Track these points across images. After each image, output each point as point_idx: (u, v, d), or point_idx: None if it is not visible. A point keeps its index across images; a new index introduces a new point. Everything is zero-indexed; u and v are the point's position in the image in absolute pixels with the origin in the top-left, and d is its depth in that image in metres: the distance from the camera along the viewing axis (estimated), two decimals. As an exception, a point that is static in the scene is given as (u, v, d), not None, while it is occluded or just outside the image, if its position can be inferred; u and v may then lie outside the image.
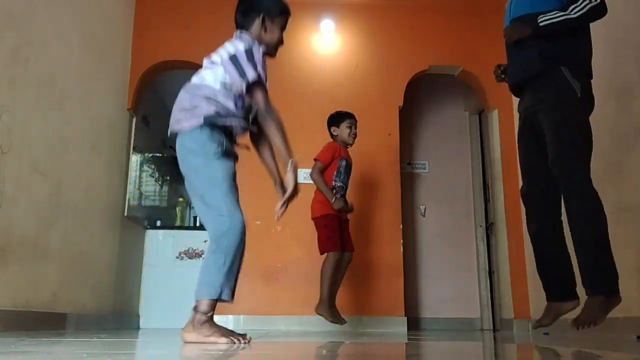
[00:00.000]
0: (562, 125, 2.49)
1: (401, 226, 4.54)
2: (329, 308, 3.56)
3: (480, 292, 5.24)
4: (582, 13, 2.48)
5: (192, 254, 4.83)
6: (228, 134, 2.19)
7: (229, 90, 2.16)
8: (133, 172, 4.79)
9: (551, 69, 2.54)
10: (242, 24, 2.31)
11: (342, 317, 3.62)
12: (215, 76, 2.16)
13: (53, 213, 3.30)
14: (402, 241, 4.51)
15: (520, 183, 4.53)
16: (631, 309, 3.04)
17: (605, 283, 2.32)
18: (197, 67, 4.81)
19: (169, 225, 5.26)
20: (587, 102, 2.57)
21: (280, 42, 2.37)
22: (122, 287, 4.37)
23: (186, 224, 6.21)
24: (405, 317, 4.36)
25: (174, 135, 2.16)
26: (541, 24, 2.48)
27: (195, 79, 2.21)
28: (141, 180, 5.22)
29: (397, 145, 4.68)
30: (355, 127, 3.88)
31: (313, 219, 3.74)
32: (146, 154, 5.40)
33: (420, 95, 5.59)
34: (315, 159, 3.77)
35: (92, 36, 3.89)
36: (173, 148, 2.25)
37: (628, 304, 3.03)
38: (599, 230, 2.32)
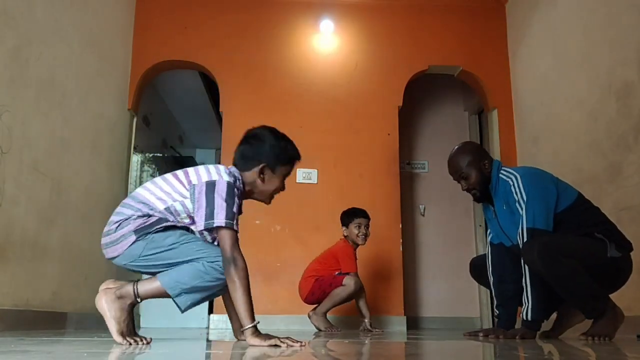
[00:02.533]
0: None
1: (400, 226, 4.55)
2: (324, 319, 3.69)
3: (480, 291, 5.24)
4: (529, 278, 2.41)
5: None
6: None
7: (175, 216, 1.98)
8: (134, 172, 4.80)
9: None
10: (236, 165, 2.09)
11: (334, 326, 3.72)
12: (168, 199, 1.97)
13: (53, 213, 3.31)
14: (401, 241, 4.52)
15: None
16: (631, 308, 3.04)
17: (598, 308, 2.33)
18: (197, 67, 4.88)
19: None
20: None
21: (279, 190, 2.14)
22: (122, 287, 4.36)
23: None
24: (405, 317, 4.38)
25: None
26: (531, 318, 2.39)
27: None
28: (142, 180, 5.22)
29: (397, 145, 4.69)
30: (367, 227, 3.79)
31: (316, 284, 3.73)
32: (147, 154, 5.41)
33: (420, 95, 5.60)
34: (348, 272, 3.68)
35: (93, 36, 3.89)
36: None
37: (628, 304, 3.03)
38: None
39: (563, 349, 1.89)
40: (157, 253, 1.93)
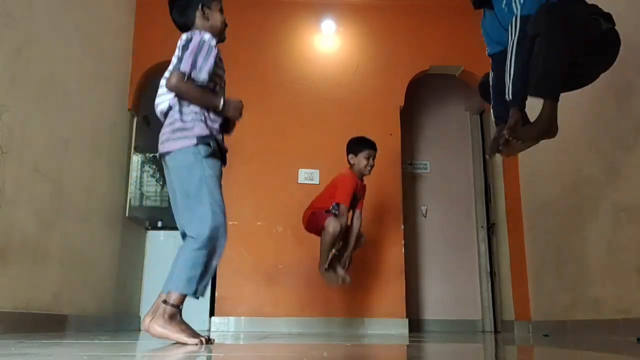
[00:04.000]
0: None
1: (402, 227, 4.53)
2: (324, 272, 3.56)
3: (482, 293, 5.23)
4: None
5: (193, 255, 4.81)
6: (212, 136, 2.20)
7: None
8: (134, 172, 4.78)
9: None
10: (185, 24, 2.34)
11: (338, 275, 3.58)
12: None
13: (53, 214, 3.30)
14: (403, 242, 4.50)
15: (521, 182, 4.57)
16: (630, 311, 3.03)
17: (549, 90, 2.45)
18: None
19: (170, 226, 5.24)
20: None
21: (224, 24, 2.39)
22: (123, 288, 4.36)
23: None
24: (407, 319, 4.35)
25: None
26: (512, 97, 2.47)
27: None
28: (142, 180, 5.21)
29: (399, 146, 4.67)
30: (374, 159, 3.76)
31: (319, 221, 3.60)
32: (147, 154, 5.40)
33: (421, 95, 5.58)
34: (338, 202, 3.59)
35: (93, 36, 3.88)
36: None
37: (627, 306, 3.03)
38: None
39: (564, 354, 1.88)
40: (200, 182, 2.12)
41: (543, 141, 4.34)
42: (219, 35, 2.36)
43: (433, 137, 5.64)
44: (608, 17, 2.53)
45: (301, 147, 4.62)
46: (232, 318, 4.19)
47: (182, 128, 2.14)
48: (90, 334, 3.08)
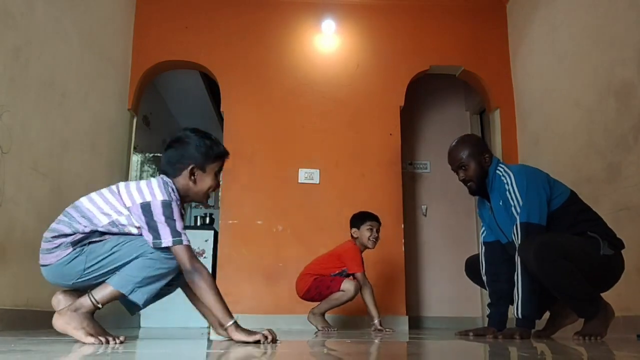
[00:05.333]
0: None
1: (403, 226, 4.54)
2: (321, 319, 3.67)
3: (482, 290, 5.23)
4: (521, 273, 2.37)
5: (193, 254, 4.81)
6: None
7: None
8: (134, 172, 4.79)
9: None
10: (165, 171, 2.05)
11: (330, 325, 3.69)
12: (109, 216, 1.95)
13: (53, 213, 3.28)
14: (403, 241, 4.51)
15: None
16: (630, 308, 3.04)
17: (590, 309, 2.34)
18: (197, 67, 4.88)
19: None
20: None
21: (213, 187, 2.09)
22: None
23: (187, 224, 6.19)
24: (407, 316, 4.36)
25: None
26: (524, 313, 2.36)
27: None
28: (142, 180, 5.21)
29: (399, 145, 4.68)
30: (378, 231, 3.74)
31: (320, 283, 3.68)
32: (147, 154, 5.41)
33: (422, 95, 5.59)
34: (354, 272, 3.63)
35: (93, 36, 3.89)
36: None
37: (627, 304, 3.03)
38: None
39: (561, 349, 1.88)
40: (100, 260, 1.89)
41: (543, 140, 4.36)
42: (198, 200, 2.10)
43: (433, 137, 5.64)
44: (614, 242, 2.44)
45: (301, 147, 4.63)
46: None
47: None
48: (90, 333, 3.07)
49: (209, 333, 3.08)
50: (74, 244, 1.91)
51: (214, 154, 2.06)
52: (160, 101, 6.23)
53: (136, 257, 1.88)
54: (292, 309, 4.17)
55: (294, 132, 4.65)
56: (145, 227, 1.87)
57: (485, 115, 5.32)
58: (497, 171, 2.61)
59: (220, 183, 2.13)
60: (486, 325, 2.77)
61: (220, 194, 4.63)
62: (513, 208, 2.45)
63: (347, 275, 3.66)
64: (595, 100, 3.58)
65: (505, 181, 2.53)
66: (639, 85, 3.15)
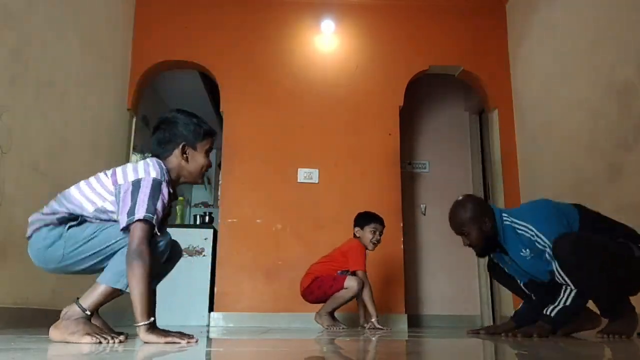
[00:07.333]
0: None
1: (402, 225, 4.55)
2: (328, 317, 3.64)
3: (480, 289, 5.25)
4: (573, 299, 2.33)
5: (193, 252, 4.83)
6: None
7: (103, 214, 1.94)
8: (133, 172, 4.79)
9: None
10: (156, 153, 2.04)
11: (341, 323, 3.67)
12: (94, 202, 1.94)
13: (53, 212, 3.30)
14: (402, 240, 4.52)
15: (521, 182, 4.57)
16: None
17: (617, 308, 2.34)
18: (197, 67, 4.88)
19: (168, 224, 5.26)
20: None
21: (206, 166, 2.10)
22: (123, 287, 4.36)
23: (186, 222, 6.22)
24: (406, 315, 4.38)
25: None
26: (556, 319, 2.33)
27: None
28: (141, 180, 5.21)
29: (398, 145, 4.69)
30: (381, 234, 3.74)
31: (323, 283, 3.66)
32: (146, 154, 5.40)
33: (421, 95, 5.60)
34: (356, 270, 3.64)
35: (92, 36, 3.89)
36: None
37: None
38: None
39: (576, 346, 1.89)
40: (79, 247, 1.88)
41: (542, 141, 4.36)
42: (193, 180, 2.11)
43: (432, 137, 5.66)
44: None
45: (301, 147, 4.64)
46: (233, 314, 4.20)
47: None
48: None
49: (208, 332, 3.08)
50: (60, 221, 1.90)
51: (203, 131, 2.07)
52: (159, 101, 6.23)
53: (115, 242, 1.87)
54: (291, 307, 4.18)
55: (293, 132, 4.66)
56: (128, 202, 1.84)
57: (484, 115, 5.33)
58: (505, 222, 2.54)
59: (211, 163, 2.14)
60: (489, 324, 2.75)
61: (220, 192, 4.65)
62: (547, 254, 2.40)
63: (351, 273, 3.67)
64: (595, 100, 3.58)
65: (527, 235, 2.46)
66: (639, 86, 3.16)
